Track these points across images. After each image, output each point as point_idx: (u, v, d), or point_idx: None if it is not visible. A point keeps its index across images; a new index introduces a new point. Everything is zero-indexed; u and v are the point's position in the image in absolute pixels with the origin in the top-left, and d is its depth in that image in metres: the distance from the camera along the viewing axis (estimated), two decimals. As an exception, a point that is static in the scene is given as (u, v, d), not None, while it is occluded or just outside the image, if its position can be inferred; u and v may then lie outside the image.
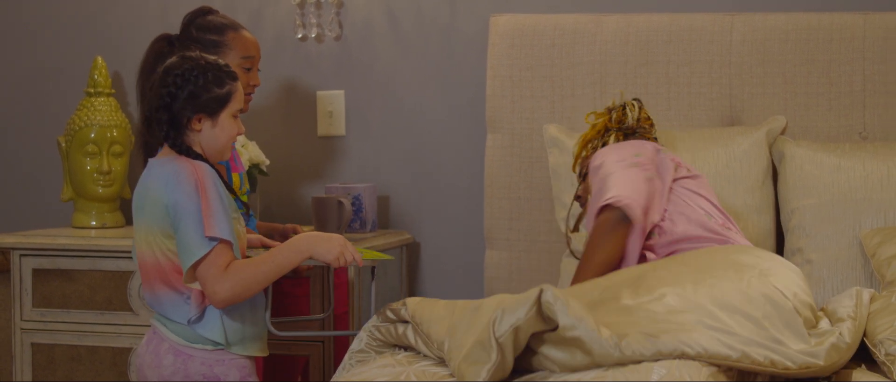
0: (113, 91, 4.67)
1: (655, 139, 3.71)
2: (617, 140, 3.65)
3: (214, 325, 3.21)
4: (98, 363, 4.29)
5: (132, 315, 4.26)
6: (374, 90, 4.63)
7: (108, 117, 4.59)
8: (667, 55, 4.19)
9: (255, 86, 3.79)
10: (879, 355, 3.02)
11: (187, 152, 3.20)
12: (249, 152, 4.38)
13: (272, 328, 3.35)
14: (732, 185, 3.97)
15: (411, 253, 4.61)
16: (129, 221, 4.78)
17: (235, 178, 3.71)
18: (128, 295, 4.26)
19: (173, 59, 3.23)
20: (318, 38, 4.64)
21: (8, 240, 4.34)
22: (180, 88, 3.17)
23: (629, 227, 3.31)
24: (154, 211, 3.16)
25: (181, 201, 3.12)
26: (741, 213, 3.94)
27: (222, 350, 3.23)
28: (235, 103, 3.25)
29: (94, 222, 4.63)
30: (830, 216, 3.84)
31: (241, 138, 4.40)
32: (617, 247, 3.30)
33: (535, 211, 4.30)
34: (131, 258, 3.66)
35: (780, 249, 4.03)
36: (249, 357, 3.28)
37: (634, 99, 3.73)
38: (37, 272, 4.32)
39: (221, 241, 3.12)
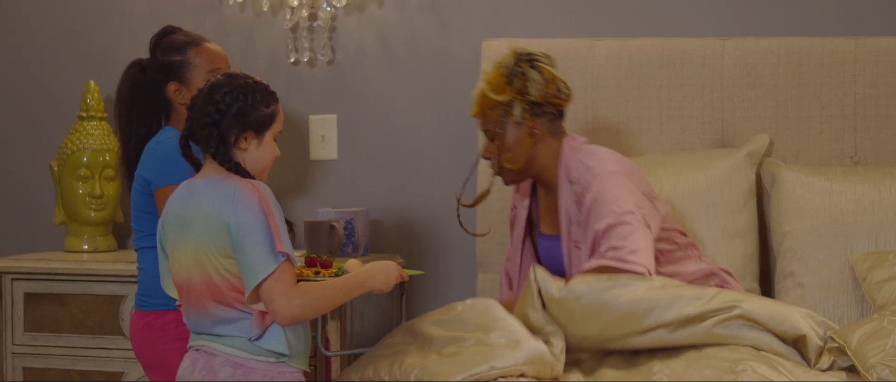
0: (105, 115, 4.67)
1: (563, 105, 3.65)
2: (524, 112, 3.59)
3: (278, 336, 3.17)
4: (90, 387, 4.29)
5: (124, 340, 4.25)
6: (367, 114, 4.63)
7: (101, 141, 4.59)
8: (659, 79, 4.20)
9: None
10: (871, 379, 3.02)
11: (237, 169, 3.18)
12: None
13: (323, 349, 3.40)
14: (711, 209, 3.96)
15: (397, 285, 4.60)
16: (121, 245, 4.77)
17: None
18: (120, 319, 4.25)
19: (220, 77, 3.21)
20: (311, 62, 4.64)
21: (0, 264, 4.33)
22: (229, 106, 3.15)
23: None
24: (209, 230, 3.12)
25: (245, 219, 3.08)
26: (718, 238, 3.93)
27: (283, 362, 3.19)
28: (278, 124, 3.24)
29: (86, 246, 4.62)
30: (822, 240, 3.84)
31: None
32: None
33: (527, 235, 4.30)
34: (138, 281, 3.66)
35: (766, 272, 4.03)
36: (303, 371, 3.27)
37: (536, 59, 3.61)
38: (28, 296, 4.32)
39: (288, 258, 3.10)
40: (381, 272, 3.27)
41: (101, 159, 4.58)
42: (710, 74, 4.18)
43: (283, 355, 3.17)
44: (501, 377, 3.10)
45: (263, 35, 4.66)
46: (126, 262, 4.33)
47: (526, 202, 3.81)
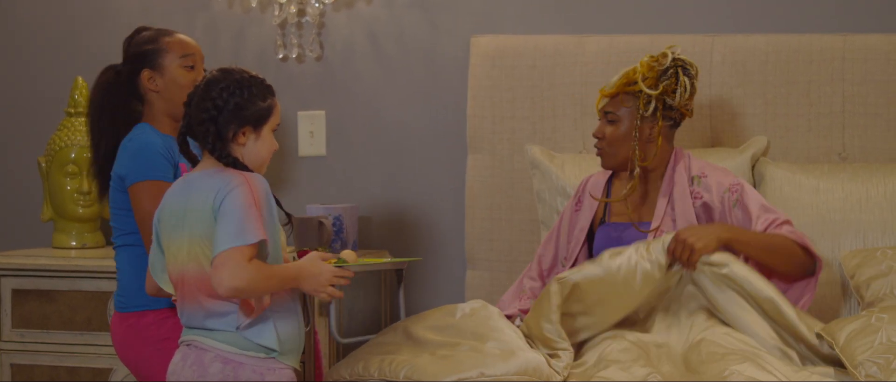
0: (89, 124, 4.65)
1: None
2: (657, 111, 3.67)
3: (268, 332, 3.16)
4: (77, 384, 4.28)
5: (112, 336, 4.25)
6: (356, 110, 4.63)
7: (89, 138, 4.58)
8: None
9: None
10: (859, 376, 3.03)
11: (235, 163, 3.16)
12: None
13: (337, 336, 3.43)
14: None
15: (392, 273, 4.60)
16: (108, 241, 4.77)
17: None
18: (108, 316, 4.24)
19: (215, 72, 3.19)
20: (300, 59, 4.64)
21: (-13, 260, 4.33)
22: (226, 102, 3.14)
23: None
24: (200, 221, 3.11)
25: (227, 205, 3.07)
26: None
27: (273, 358, 3.18)
28: (275, 118, 3.23)
29: (75, 243, 4.62)
30: (810, 238, 3.85)
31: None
32: None
33: (515, 231, 4.30)
34: (117, 278, 3.65)
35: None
36: (294, 368, 3.26)
37: (688, 68, 3.71)
38: (16, 293, 4.31)
39: (255, 245, 3.08)
40: (313, 277, 3.22)
41: (88, 155, 4.56)
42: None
43: (273, 350, 3.16)
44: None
45: (252, 31, 4.66)
46: (114, 259, 4.32)
47: (598, 194, 3.81)
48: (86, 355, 4.28)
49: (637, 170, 3.67)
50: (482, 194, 4.33)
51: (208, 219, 3.10)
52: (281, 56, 4.62)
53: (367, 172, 4.64)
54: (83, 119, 4.60)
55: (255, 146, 3.20)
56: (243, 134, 3.17)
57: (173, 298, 3.26)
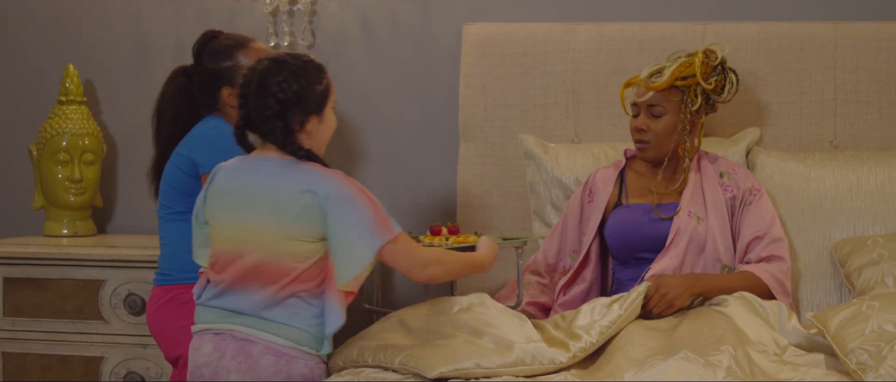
0: (85, 99, 4.65)
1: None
2: (703, 105, 3.76)
3: (332, 326, 3.19)
4: (69, 372, 4.27)
5: (103, 324, 4.24)
6: (348, 98, 4.63)
7: (80, 126, 4.57)
8: (639, 64, 4.19)
9: None
10: (850, 364, 3.03)
11: (309, 156, 3.18)
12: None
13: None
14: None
15: (384, 261, 4.60)
16: (100, 229, 4.76)
17: None
18: (99, 304, 4.24)
19: (266, 62, 3.19)
20: (291, 47, 4.63)
21: (-21, 249, 4.32)
22: (286, 94, 3.14)
23: None
24: (297, 214, 3.11)
25: (352, 206, 3.12)
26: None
27: (319, 356, 3.20)
28: (332, 95, 3.25)
29: (66, 231, 4.61)
30: (801, 226, 3.85)
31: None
32: None
33: (507, 219, 4.30)
34: (159, 263, 3.69)
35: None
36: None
37: (733, 70, 3.83)
38: (8, 281, 4.31)
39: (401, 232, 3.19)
40: (492, 260, 3.42)
41: (80, 143, 4.56)
42: (690, 59, 4.18)
43: (322, 351, 3.19)
44: (485, 377, 3.10)
45: (244, 19, 4.65)
46: (105, 246, 4.32)
47: (610, 184, 3.86)
48: (77, 343, 4.28)
49: (687, 164, 3.74)
50: (474, 182, 4.33)
51: (311, 214, 3.11)
52: (272, 44, 4.61)
53: (360, 159, 4.63)
54: (75, 107, 4.60)
55: (319, 129, 3.21)
56: (310, 122, 3.17)
57: (202, 270, 3.27)
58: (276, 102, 3.14)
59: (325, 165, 3.19)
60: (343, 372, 3.21)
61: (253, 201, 3.16)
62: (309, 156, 3.17)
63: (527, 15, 4.46)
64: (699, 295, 3.58)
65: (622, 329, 3.35)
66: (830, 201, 3.86)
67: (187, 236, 3.58)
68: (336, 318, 3.17)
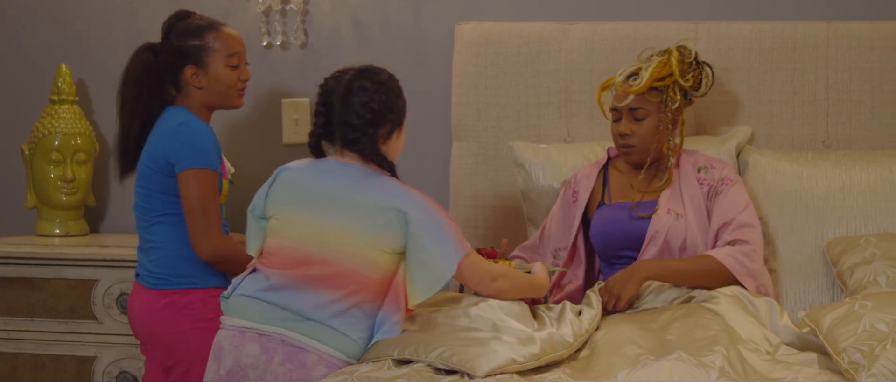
0: (77, 99, 4.65)
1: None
2: (682, 101, 3.76)
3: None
4: (62, 372, 4.27)
5: (96, 324, 4.24)
6: (340, 98, 4.62)
7: (73, 125, 4.57)
8: (632, 63, 4.20)
9: (245, 80, 3.79)
10: (842, 363, 3.03)
11: (391, 169, 3.25)
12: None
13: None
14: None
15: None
16: (93, 229, 4.76)
17: (224, 185, 3.73)
18: (92, 304, 4.24)
19: (354, 73, 3.23)
20: (284, 46, 4.63)
21: (-29, 249, 4.32)
22: (379, 105, 3.19)
23: None
24: (380, 223, 3.14)
25: (433, 221, 3.16)
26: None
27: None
28: (406, 113, 3.31)
29: (58, 231, 4.61)
30: (793, 226, 3.86)
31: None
32: None
33: (500, 219, 4.30)
34: (149, 266, 3.67)
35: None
36: None
37: (707, 63, 3.83)
38: (0, 281, 4.30)
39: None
40: (547, 283, 3.46)
41: (72, 142, 4.56)
42: (683, 59, 4.18)
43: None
44: (516, 371, 3.09)
45: (236, 19, 4.64)
46: (98, 246, 4.32)
47: (591, 183, 3.88)
48: (70, 343, 4.27)
49: (671, 161, 3.75)
50: (467, 182, 4.33)
51: (395, 225, 3.14)
52: (265, 44, 4.61)
53: (352, 159, 4.63)
54: (67, 106, 4.60)
55: (397, 143, 3.27)
56: (394, 135, 3.22)
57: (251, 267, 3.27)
58: (369, 110, 3.18)
59: (397, 177, 3.26)
60: (339, 372, 3.19)
61: (338, 204, 3.18)
62: (391, 168, 3.22)
63: (520, 14, 4.46)
64: (648, 279, 3.59)
65: (613, 326, 3.35)
66: (823, 201, 3.86)
67: (180, 240, 3.58)
68: (390, 334, 3.19)
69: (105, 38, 4.75)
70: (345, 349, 3.15)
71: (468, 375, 3.05)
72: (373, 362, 3.18)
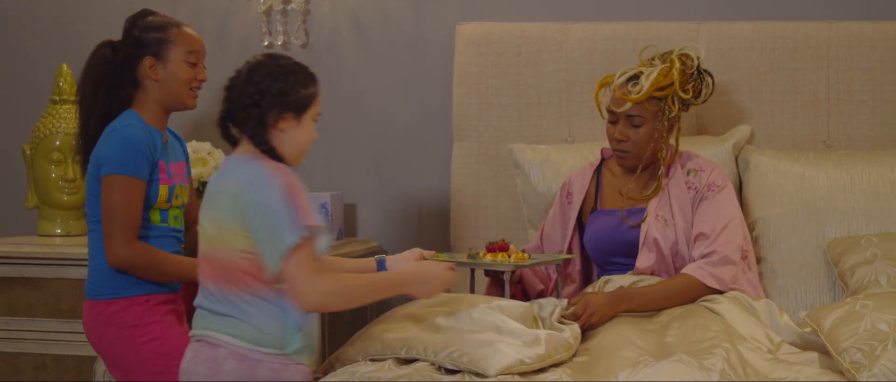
0: (78, 98, 4.64)
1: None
2: (679, 110, 3.74)
3: (301, 329, 3.11)
4: (63, 371, 4.27)
5: (97, 324, 4.24)
6: (341, 97, 4.63)
7: (74, 125, 4.56)
8: (633, 64, 4.19)
9: (202, 81, 3.75)
10: (844, 363, 3.03)
11: (270, 152, 3.11)
12: (215, 159, 4.37)
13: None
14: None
15: (378, 261, 4.60)
16: (94, 229, 4.76)
17: (164, 191, 3.62)
18: (92, 304, 4.23)
19: (259, 57, 3.15)
20: (285, 46, 4.63)
21: (-28, 248, 4.32)
22: (269, 86, 3.09)
23: None
24: (233, 208, 3.05)
25: (270, 199, 3.02)
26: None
27: (287, 355, 3.10)
28: (317, 106, 3.18)
29: (60, 230, 4.61)
30: (794, 226, 3.86)
31: (208, 146, 4.39)
32: None
33: (501, 219, 4.30)
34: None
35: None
36: (312, 370, 3.21)
37: (707, 71, 3.80)
38: (1, 281, 4.30)
39: (310, 237, 3.01)
40: (425, 281, 3.24)
41: (74, 142, 4.55)
42: (684, 59, 4.18)
43: (287, 350, 3.09)
44: (526, 371, 3.09)
45: (237, 19, 4.65)
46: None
47: (585, 185, 3.87)
48: (71, 342, 4.27)
49: (662, 170, 3.74)
50: (468, 182, 4.33)
51: (240, 207, 3.04)
52: (266, 44, 4.61)
53: (353, 159, 4.63)
54: (68, 106, 4.59)
55: (295, 133, 3.14)
56: (284, 120, 3.12)
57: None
58: (257, 91, 3.09)
59: (283, 162, 3.13)
60: (338, 371, 3.19)
61: (212, 199, 3.13)
62: (270, 152, 3.12)
63: (520, 14, 4.46)
64: (626, 311, 3.54)
65: (611, 328, 3.36)
66: (824, 201, 3.86)
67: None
68: (299, 313, 3.09)
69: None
70: (250, 337, 3.07)
71: (477, 375, 3.05)
72: (375, 360, 3.18)
